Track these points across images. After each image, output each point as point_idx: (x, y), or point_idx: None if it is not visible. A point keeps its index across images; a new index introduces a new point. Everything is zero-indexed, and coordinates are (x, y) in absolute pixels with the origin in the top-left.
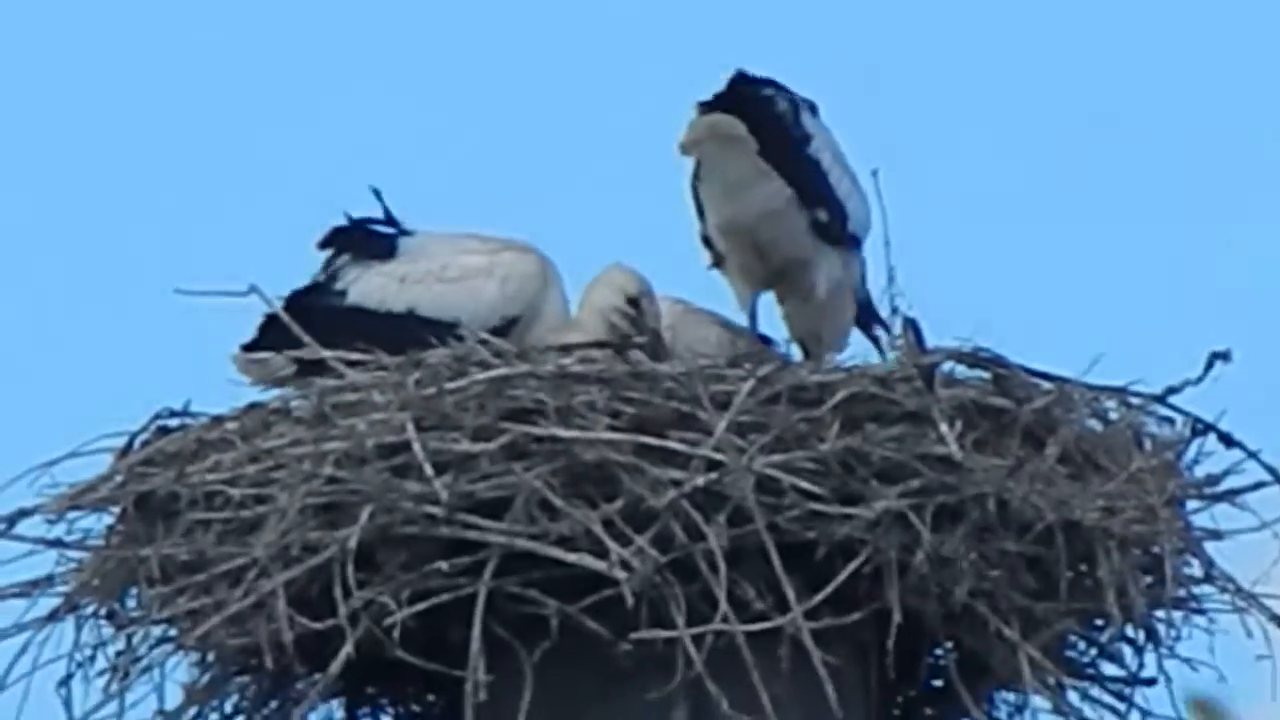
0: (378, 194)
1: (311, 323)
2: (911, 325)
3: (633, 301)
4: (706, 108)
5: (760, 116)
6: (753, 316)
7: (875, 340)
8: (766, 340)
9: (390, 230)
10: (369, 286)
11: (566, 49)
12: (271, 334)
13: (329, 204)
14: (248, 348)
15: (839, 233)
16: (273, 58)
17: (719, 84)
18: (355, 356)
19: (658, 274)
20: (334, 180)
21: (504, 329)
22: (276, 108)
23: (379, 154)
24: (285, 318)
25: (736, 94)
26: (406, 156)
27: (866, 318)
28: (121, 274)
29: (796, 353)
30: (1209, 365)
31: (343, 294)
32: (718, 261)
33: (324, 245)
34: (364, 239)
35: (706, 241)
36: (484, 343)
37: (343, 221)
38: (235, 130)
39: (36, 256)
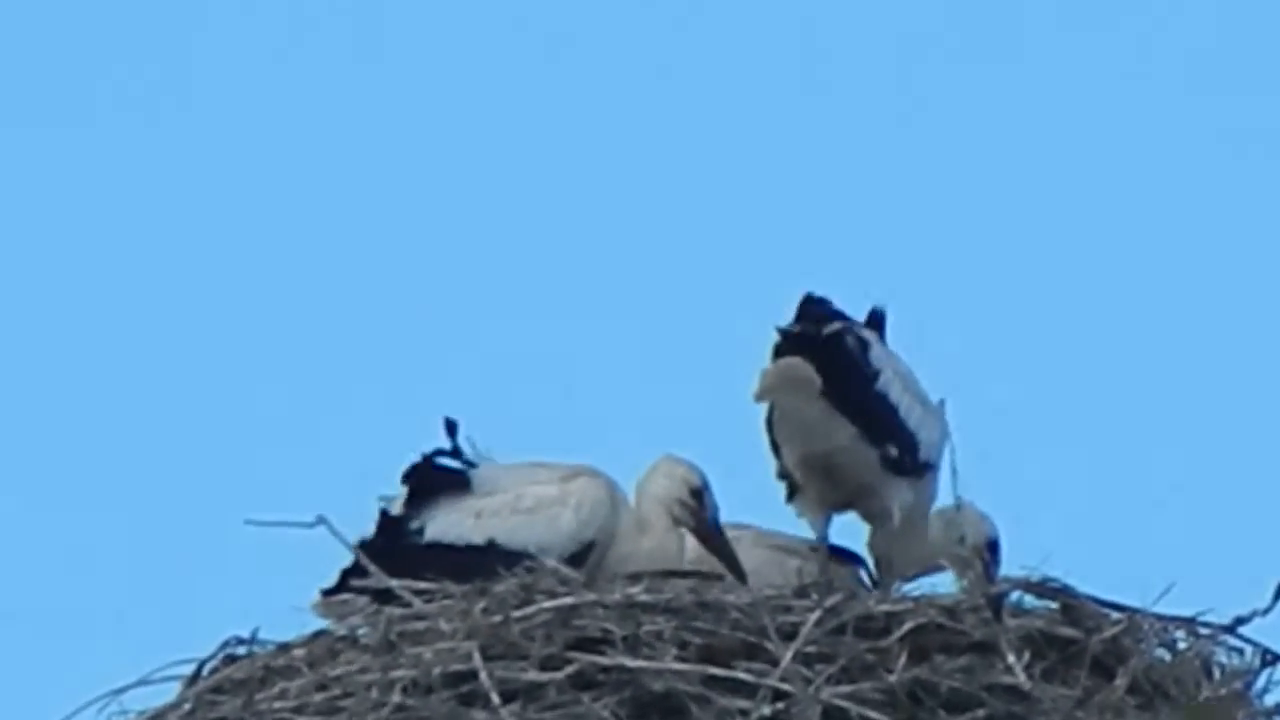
0: (451, 426)
1: (391, 561)
2: (980, 555)
3: (695, 494)
4: (781, 343)
5: (828, 357)
6: (824, 539)
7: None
8: (856, 558)
9: (460, 465)
10: (446, 523)
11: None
12: (352, 577)
13: (394, 433)
14: (328, 592)
15: (911, 464)
16: (339, 287)
17: (783, 300)
18: (423, 585)
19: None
20: (396, 409)
21: (582, 554)
22: (342, 340)
23: (444, 377)
24: (362, 557)
25: (805, 334)
26: (475, 376)
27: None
28: (192, 503)
29: None
30: (1278, 595)
31: (420, 531)
32: (792, 494)
33: (404, 480)
34: (438, 476)
35: (782, 476)
36: (551, 570)
37: (416, 459)
38: (305, 360)
39: (105, 484)
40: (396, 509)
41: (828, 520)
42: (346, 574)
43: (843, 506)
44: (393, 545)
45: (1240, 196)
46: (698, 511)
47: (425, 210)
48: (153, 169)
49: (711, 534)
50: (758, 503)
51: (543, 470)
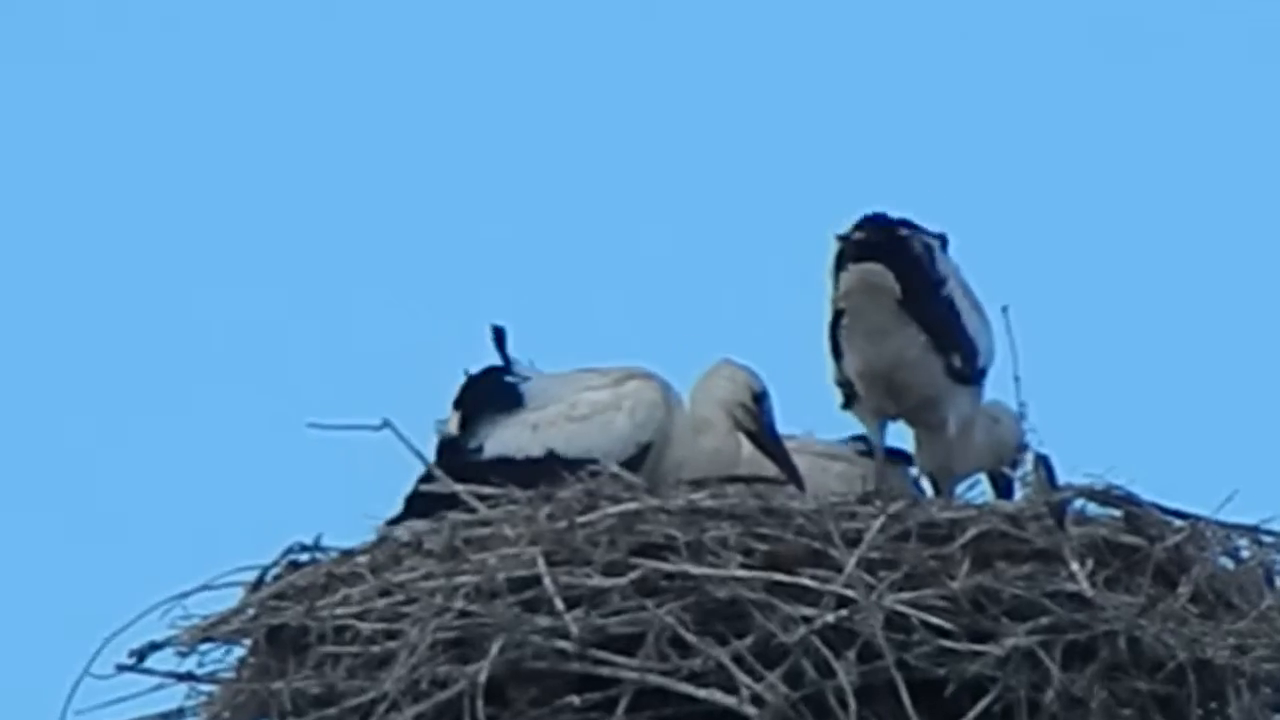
0: (499, 334)
1: (457, 479)
2: (1043, 462)
3: (757, 398)
4: (852, 248)
5: (903, 264)
6: (881, 447)
7: (996, 483)
8: (904, 456)
9: (512, 379)
10: (504, 438)
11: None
12: (416, 505)
13: (452, 338)
14: (393, 521)
15: (970, 373)
16: (389, 196)
17: (834, 211)
18: (487, 491)
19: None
20: (454, 308)
21: (639, 456)
22: (398, 247)
23: (498, 274)
24: (428, 461)
25: (881, 238)
26: (523, 276)
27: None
28: (255, 409)
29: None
30: None
31: (480, 449)
32: (848, 401)
33: (457, 403)
34: (492, 392)
35: (840, 383)
36: (614, 476)
37: (464, 377)
38: (364, 266)
39: (170, 391)
40: (452, 429)
41: (884, 427)
42: (411, 500)
43: (900, 415)
44: (454, 463)
45: None
46: (759, 416)
47: (472, 115)
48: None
49: (770, 439)
50: (798, 411)
51: (594, 376)
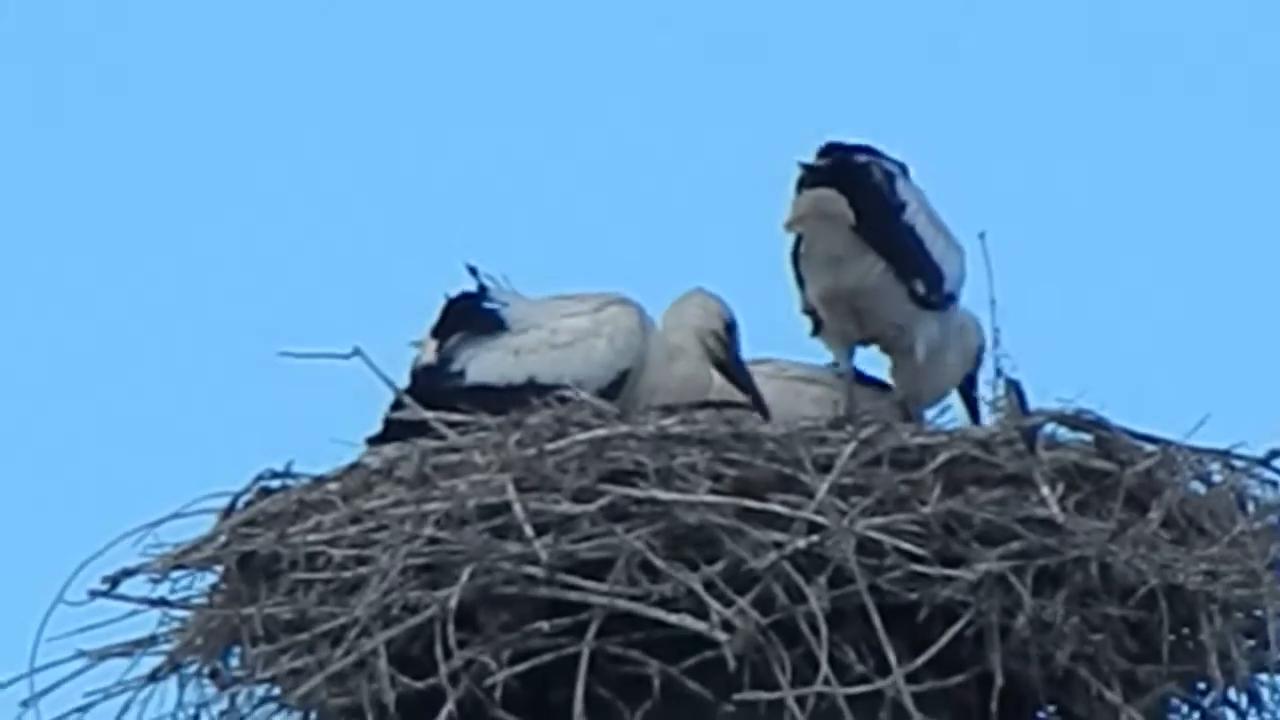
0: (473, 270)
1: (435, 404)
2: (1014, 387)
3: (728, 328)
4: (808, 175)
5: (859, 190)
6: (849, 373)
7: (971, 405)
8: (883, 385)
9: (491, 304)
10: (486, 363)
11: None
12: (395, 429)
13: (421, 262)
14: (372, 441)
15: (937, 299)
16: (360, 127)
17: (808, 141)
18: (456, 418)
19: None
20: (427, 239)
21: (618, 383)
22: (371, 176)
23: (468, 207)
24: (397, 390)
25: (836, 165)
26: (492, 205)
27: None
28: (225, 336)
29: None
30: None
31: (461, 374)
32: (817, 328)
33: (436, 326)
34: (472, 317)
35: (807, 311)
36: (585, 403)
37: (443, 300)
38: (333, 199)
39: (141, 320)
40: (429, 354)
41: (851, 354)
42: (388, 426)
43: (867, 341)
44: (433, 389)
45: None
46: (729, 346)
47: (448, 55)
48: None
49: (738, 368)
50: (775, 338)
51: (573, 302)
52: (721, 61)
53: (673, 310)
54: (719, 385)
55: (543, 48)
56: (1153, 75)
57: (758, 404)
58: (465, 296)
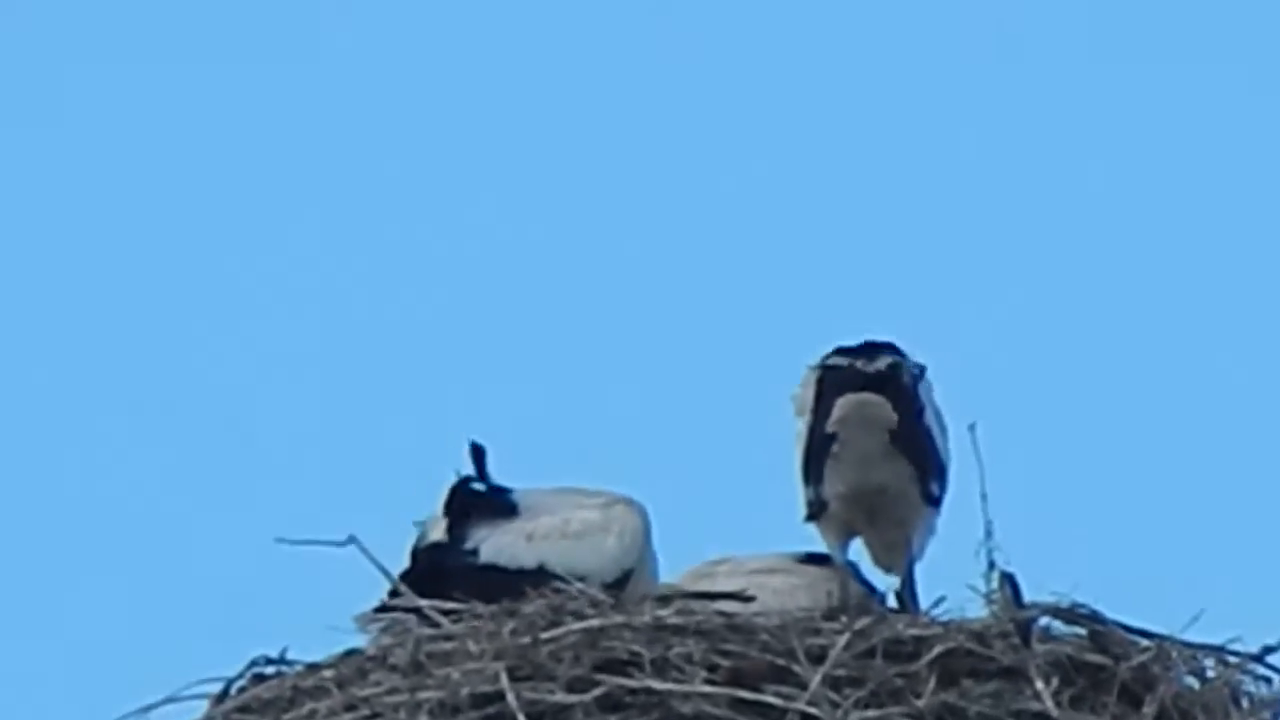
0: (477, 451)
1: (446, 580)
2: (1008, 580)
3: None
4: (858, 377)
5: (900, 396)
6: (845, 563)
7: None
8: (869, 587)
9: (502, 487)
10: (500, 545)
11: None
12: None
13: (419, 458)
14: (380, 610)
15: (941, 496)
16: (367, 309)
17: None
18: (450, 606)
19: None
20: (420, 435)
21: (622, 580)
22: (369, 369)
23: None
24: (392, 577)
25: (889, 371)
26: (491, 411)
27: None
28: (222, 521)
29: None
30: None
31: (474, 552)
32: (814, 515)
33: (449, 504)
34: (488, 498)
35: (810, 499)
36: (580, 592)
37: (454, 480)
38: (332, 386)
39: (140, 500)
40: (438, 531)
41: (848, 543)
42: (394, 593)
43: (866, 532)
44: (443, 565)
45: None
46: None
47: (445, 226)
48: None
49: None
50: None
51: (580, 495)
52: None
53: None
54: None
55: (547, 232)
56: (1133, 256)
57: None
58: (474, 480)
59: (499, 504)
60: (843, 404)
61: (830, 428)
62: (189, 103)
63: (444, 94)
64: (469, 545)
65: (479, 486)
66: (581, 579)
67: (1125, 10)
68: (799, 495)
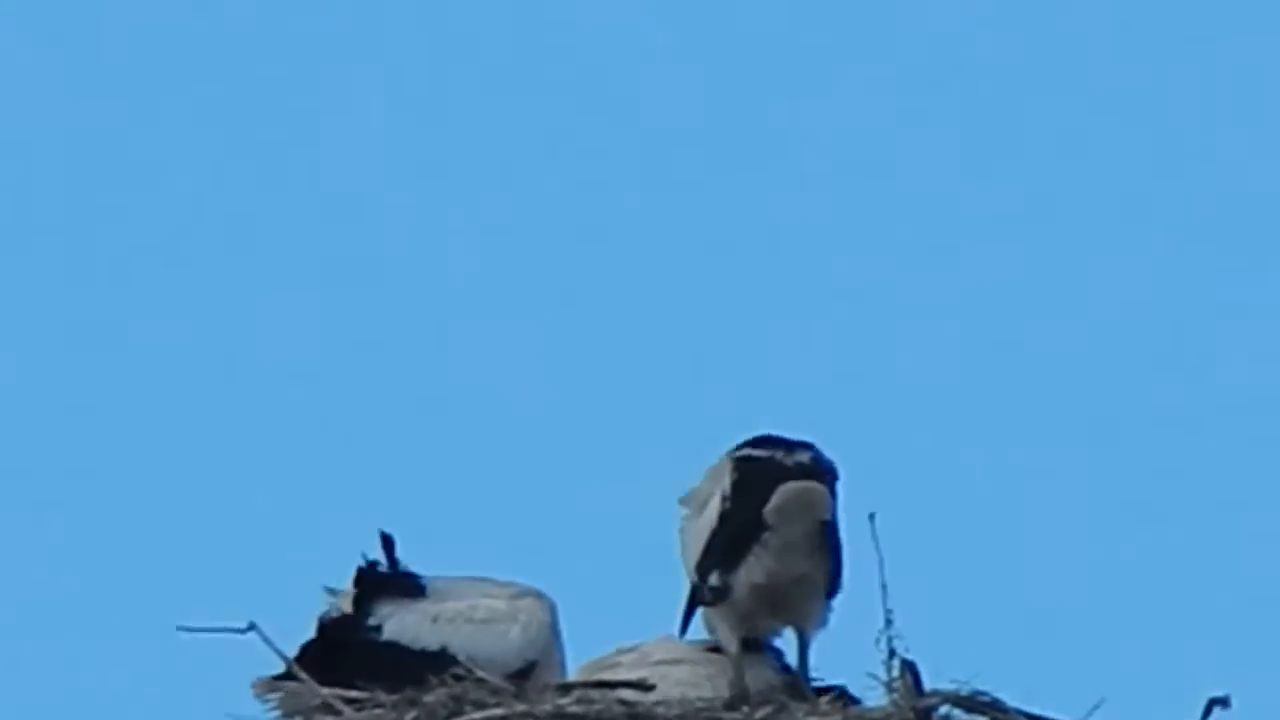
0: (386, 540)
1: (347, 655)
2: (909, 668)
3: None
4: (805, 467)
5: (832, 489)
6: (739, 649)
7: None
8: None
9: (411, 572)
10: (404, 624)
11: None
12: (301, 665)
13: (325, 547)
14: (278, 678)
15: (839, 588)
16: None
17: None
18: (353, 695)
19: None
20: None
21: (525, 671)
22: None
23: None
24: (293, 666)
25: (826, 462)
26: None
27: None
28: (124, 610)
29: None
30: (1207, 711)
31: (378, 629)
32: (713, 602)
33: (357, 583)
34: (395, 579)
35: (714, 585)
36: (481, 680)
37: (360, 561)
38: (235, 470)
39: (41, 596)
40: (346, 605)
41: (740, 633)
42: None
43: (764, 625)
44: (346, 638)
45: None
46: None
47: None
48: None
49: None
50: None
51: (491, 585)
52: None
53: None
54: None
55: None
56: (1019, 346)
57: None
58: (379, 565)
59: (407, 585)
60: (784, 491)
61: (768, 516)
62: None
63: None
64: (374, 621)
65: (389, 567)
66: (483, 667)
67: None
68: (685, 583)
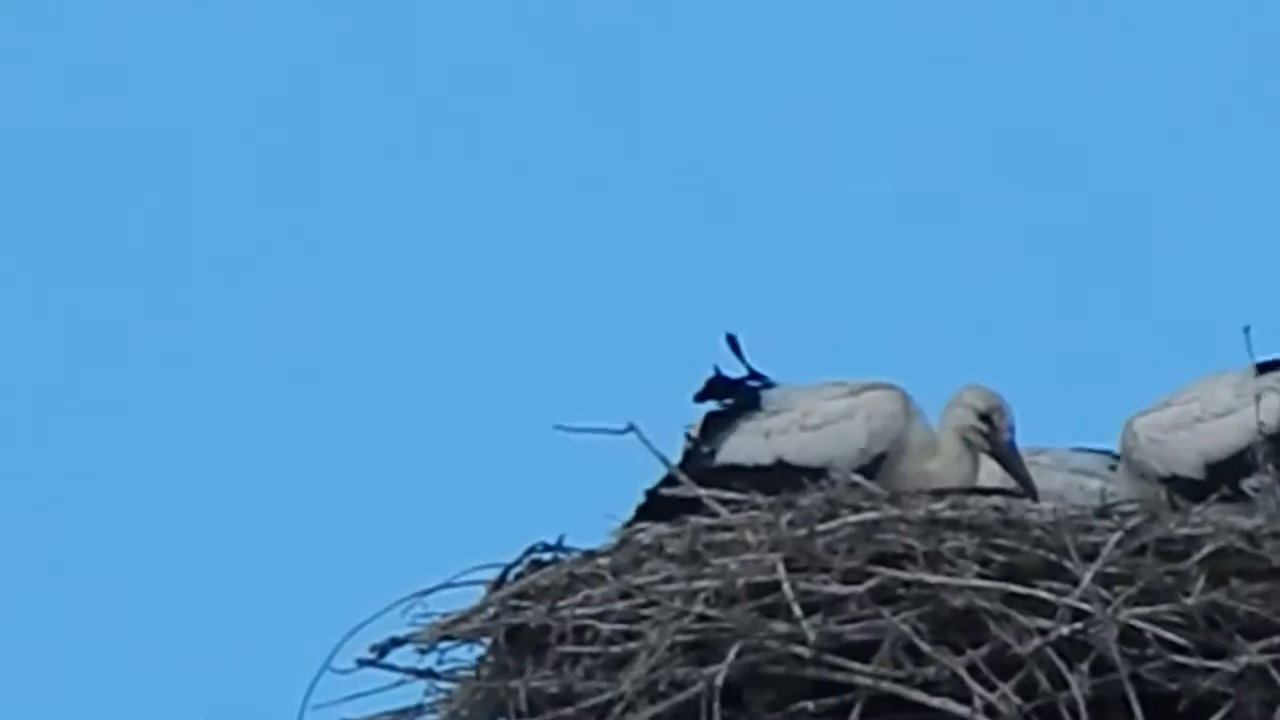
0: (733, 342)
1: (699, 483)
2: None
3: (984, 417)
4: None
5: None
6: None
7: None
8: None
9: (754, 383)
10: (737, 444)
11: None
12: (654, 509)
13: (695, 346)
14: (640, 511)
15: None
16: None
17: None
18: (730, 496)
19: None
20: (700, 324)
21: (872, 467)
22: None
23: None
24: (672, 466)
25: None
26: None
27: None
28: (502, 408)
29: None
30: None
31: (712, 454)
32: None
33: (699, 399)
34: (731, 392)
35: None
36: (855, 485)
37: (711, 374)
38: (613, 276)
39: (418, 388)
40: (695, 432)
41: None
42: (644, 508)
43: None
44: (691, 469)
45: None
46: (991, 434)
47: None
48: None
49: (1005, 453)
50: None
51: (835, 387)
52: None
53: (944, 410)
54: (994, 470)
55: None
56: None
57: (1029, 489)
58: (727, 379)
59: (745, 401)
60: None
61: None
62: None
63: None
64: (708, 448)
65: (732, 383)
66: (822, 470)
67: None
68: None
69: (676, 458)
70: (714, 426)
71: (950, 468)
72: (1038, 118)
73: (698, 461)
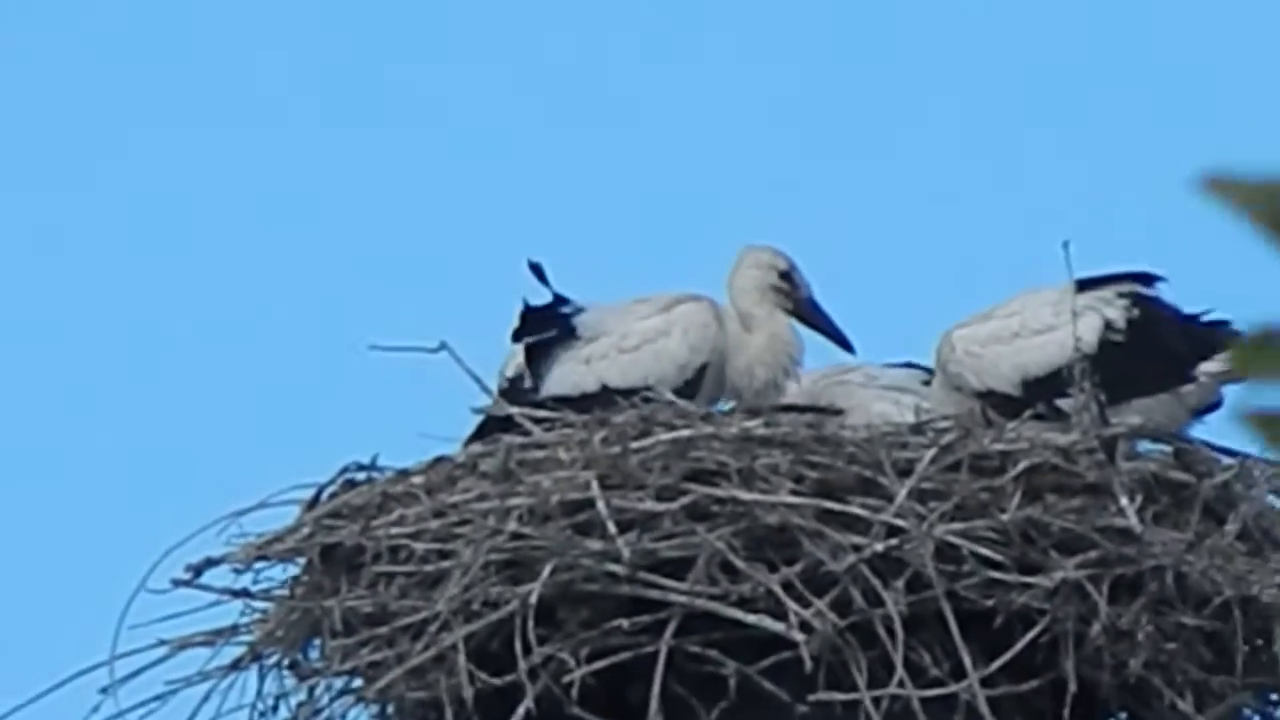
0: (537, 270)
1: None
2: (1096, 398)
3: (784, 275)
4: None
5: None
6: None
7: None
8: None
9: (565, 309)
10: (559, 375)
11: None
12: (489, 428)
13: (507, 263)
14: (468, 443)
15: None
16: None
17: None
18: (542, 415)
19: None
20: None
21: (695, 380)
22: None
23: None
24: (482, 382)
25: None
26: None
27: None
28: (314, 328)
29: None
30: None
31: (536, 388)
32: None
33: (516, 337)
34: (545, 327)
35: None
36: (670, 403)
37: (521, 307)
38: (420, 196)
39: (231, 310)
40: (514, 365)
41: None
42: (481, 427)
43: None
44: (517, 402)
45: None
46: (792, 292)
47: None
48: None
49: (810, 311)
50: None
51: (644, 305)
52: None
53: (730, 279)
54: (810, 389)
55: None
56: None
57: (843, 343)
58: (540, 306)
59: (559, 331)
60: None
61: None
62: None
63: None
64: (531, 382)
65: (544, 313)
66: (649, 389)
67: None
68: None
69: (492, 382)
70: (534, 359)
71: (774, 330)
72: None
73: (520, 396)
